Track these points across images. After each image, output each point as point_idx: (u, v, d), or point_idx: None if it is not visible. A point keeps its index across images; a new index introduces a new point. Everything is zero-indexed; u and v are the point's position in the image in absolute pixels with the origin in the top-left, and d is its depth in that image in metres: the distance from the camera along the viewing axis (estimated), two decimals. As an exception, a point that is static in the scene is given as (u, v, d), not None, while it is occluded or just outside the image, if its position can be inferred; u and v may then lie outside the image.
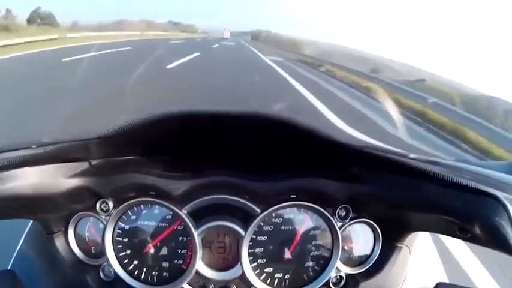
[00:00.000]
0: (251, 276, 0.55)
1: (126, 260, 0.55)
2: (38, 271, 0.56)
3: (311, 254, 0.56)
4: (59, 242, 0.55)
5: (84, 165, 0.52)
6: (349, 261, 0.58)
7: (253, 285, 0.55)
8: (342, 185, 0.53)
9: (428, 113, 6.35)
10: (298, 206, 0.55)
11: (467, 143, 5.16)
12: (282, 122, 0.49)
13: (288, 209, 0.55)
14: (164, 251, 0.55)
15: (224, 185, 0.54)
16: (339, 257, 0.56)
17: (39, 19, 19.60)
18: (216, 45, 22.87)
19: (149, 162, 0.56)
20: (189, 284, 0.55)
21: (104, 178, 0.53)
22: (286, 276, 0.56)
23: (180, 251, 0.55)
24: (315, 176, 0.54)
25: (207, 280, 0.56)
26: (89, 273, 0.56)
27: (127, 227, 0.55)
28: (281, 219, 0.55)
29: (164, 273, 0.56)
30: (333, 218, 0.55)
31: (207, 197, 0.54)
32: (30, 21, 19.07)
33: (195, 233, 0.53)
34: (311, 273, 0.57)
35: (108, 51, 10.88)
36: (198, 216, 0.54)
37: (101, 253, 0.56)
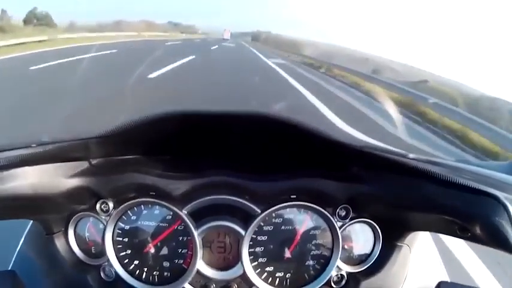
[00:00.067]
0: (252, 275, 0.55)
1: (127, 260, 0.55)
2: (38, 271, 0.56)
3: (311, 253, 0.56)
4: (59, 242, 0.55)
5: (84, 165, 0.52)
6: (350, 260, 0.58)
7: (254, 285, 0.55)
8: (342, 185, 0.53)
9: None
10: (298, 206, 0.55)
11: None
12: (282, 121, 0.49)
13: (288, 209, 0.55)
14: (165, 250, 0.55)
15: (224, 185, 0.54)
16: (339, 256, 0.56)
17: (36, 20, 19.22)
18: (215, 46, 21.68)
19: (149, 162, 0.56)
20: (190, 283, 0.55)
21: (104, 178, 0.53)
22: (287, 275, 0.56)
23: (180, 250, 0.55)
24: (315, 176, 0.54)
25: (208, 280, 0.56)
26: (89, 273, 0.56)
27: (127, 227, 0.55)
28: (281, 219, 0.55)
29: (165, 273, 0.56)
30: (333, 217, 0.55)
31: (207, 197, 0.54)
32: (26, 21, 18.77)
33: (195, 233, 0.53)
34: (312, 272, 0.57)
35: (88, 55, 9.22)
36: (198, 216, 0.54)
37: (102, 253, 0.56)
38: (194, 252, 0.54)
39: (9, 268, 0.57)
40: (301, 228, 0.56)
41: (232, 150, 0.58)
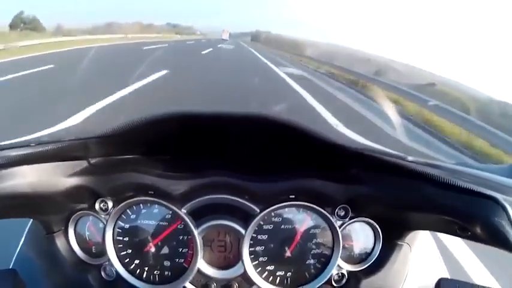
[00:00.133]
0: (253, 274, 0.55)
1: (128, 259, 0.55)
2: (39, 270, 0.56)
3: (312, 252, 0.56)
4: (59, 242, 0.55)
5: (83, 164, 0.52)
6: (350, 258, 0.58)
7: (255, 284, 0.55)
8: (341, 186, 0.54)
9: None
10: (297, 206, 0.55)
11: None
12: (282, 123, 0.49)
13: (287, 208, 0.55)
14: (165, 250, 0.55)
15: (224, 185, 0.54)
16: (339, 255, 0.56)
17: (23, 24, 18.34)
18: (208, 50, 17.78)
19: (149, 161, 0.56)
20: (191, 282, 0.55)
21: (103, 177, 0.53)
22: (288, 274, 0.56)
23: (181, 249, 0.55)
24: (314, 177, 0.54)
25: (209, 279, 0.56)
26: (90, 272, 0.56)
27: (127, 226, 0.55)
28: (281, 218, 0.55)
29: (166, 272, 0.56)
30: (332, 217, 0.55)
31: (206, 197, 0.54)
32: (13, 26, 17.94)
33: (196, 232, 0.53)
34: (313, 270, 0.57)
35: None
36: (198, 216, 0.54)
37: (102, 252, 0.56)
38: (195, 251, 0.54)
39: (10, 267, 0.57)
40: (301, 227, 0.56)
41: (232, 151, 0.58)
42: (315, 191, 0.54)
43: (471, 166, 0.54)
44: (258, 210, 0.54)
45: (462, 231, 0.45)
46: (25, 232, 0.61)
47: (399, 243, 0.57)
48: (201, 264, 0.55)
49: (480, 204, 0.41)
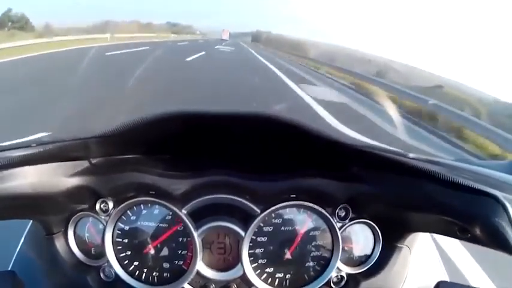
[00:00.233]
0: (252, 276, 0.55)
1: (127, 261, 0.55)
2: (38, 272, 0.56)
3: (311, 254, 0.56)
4: (59, 243, 0.55)
5: (84, 164, 0.52)
6: (350, 261, 0.58)
7: (254, 285, 0.55)
8: (342, 185, 0.54)
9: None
10: (298, 206, 0.55)
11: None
12: (283, 122, 0.49)
13: (287, 209, 0.55)
14: (164, 251, 0.55)
15: (224, 185, 0.54)
16: (339, 257, 0.56)
17: (11, 22, 17.07)
18: (198, 55, 13.38)
19: (149, 161, 0.56)
20: (189, 284, 0.55)
21: (104, 177, 0.52)
22: (287, 276, 0.56)
23: (180, 251, 0.55)
24: (314, 176, 0.54)
25: (207, 280, 0.56)
26: (89, 273, 0.56)
27: (127, 227, 0.55)
28: (281, 220, 0.55)
29: (165, 274, 0.56)
30: (333, 218, 0.55)
31: (207, 197, 0.54)
32: (0, 24, 16.60)
33: (195, 234, 0.53)
34: (312, 273, 0.57)
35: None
36: (198, 217, 0.54)
37: (101, 254, 0.56)
38: (194, 253, 0.54)
39: (9, 268, 0.57)
40: (301, 229, 0.56)
41: (232, 150, 0.58)
42: (315, 189, 0.54)
43: (471, 162, 0.54)
44: (259, 211, 0.54)
45: (462, 232, 0.45)
46: (25, 233, 0.61)
47: (399, 245, 0.57)
48: (200, 266, 0.55)
49: (480, 203, 0.40)
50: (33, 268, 0.57)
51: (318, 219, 0.56)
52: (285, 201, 0.54)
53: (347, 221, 0.56)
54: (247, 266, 0.54)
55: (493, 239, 0.40)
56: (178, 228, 0.54)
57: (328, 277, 0.56)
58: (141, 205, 0.55)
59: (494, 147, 4.90)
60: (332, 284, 0.57)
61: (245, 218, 0.54)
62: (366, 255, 0.58)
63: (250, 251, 0.55)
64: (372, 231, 0.57)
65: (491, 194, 0.40)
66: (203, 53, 14.86)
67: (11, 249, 0.60)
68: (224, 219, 0.55)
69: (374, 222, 0.56)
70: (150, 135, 0.54)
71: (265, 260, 0.55)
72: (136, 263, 0.55)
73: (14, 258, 0.59)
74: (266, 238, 0.55)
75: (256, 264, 0.55)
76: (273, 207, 0.53)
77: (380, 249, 0.58)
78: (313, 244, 0.56)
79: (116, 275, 0.55)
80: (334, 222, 0.55)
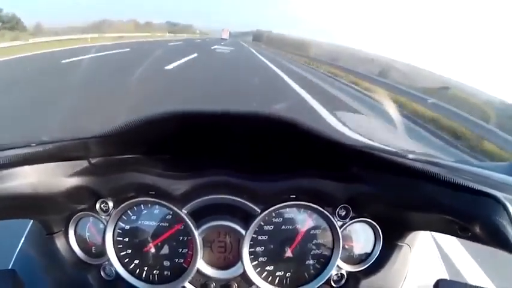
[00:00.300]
0: (252, 274, 0.55)
1: (127, 259, 0.55)
2: (38, 270, 0.56)
3: (312, 253, 0.56)
4: (59, 242, 0.55)
5: (83, 164, 0.52)
6: (350, 259, 0.58)
7: (254, 284, 0.55)
8: (342, 185, 0.54)
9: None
10: (298, 206, 0.55)
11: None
12: (283, 121, 0.49)
13: (288, 208, 0.55)
14: (165, 250, 0.55)
15: (224, 185, 0.54)
16: (339, 256, 0.56)
17: (1, 23, 16.06)
18: (188, 58, 10.40)
19: (149, 161, 0.56)
20: (190, 282, 0.55)
21: (104, 177, 0.53)
22: (287, 275, 0.56)
23: (180, 250, 0.55)
24: (314, 176, 0.54)
25: (208, 278, 0.56)
26: (89, 272, 0.56)
27: (127, 227, 0.55)
28: (281, 219, 0.55)
29: (165, 272, 0.56)
30: (333, 217, 0.55)
31: (207, 197, 0.54)
32: None
33: (196, 233, 0.53)
34: (312, 271, 0.57)
35: None
36: (198, 216, 0.54)
37: (102, 253, 0.56)
38: (194, 252, 0.54)
39: (10, 267, 0.57)
40: (301, 228, 0.56)
41: (233, 150, 0.58)
42: (315, 190, 0.54)
43: (471, 164, 0.54)
44: (259, 211, 0.54)
45: (462, 231, 0.45)
46: (25, 232, 0.61)
47: (399, 244, 0.57)
48: (201, 265, 0.55)
49: (480, 203, 0.41)
50: (33, 267, 0.57)
51: (318, 218, 0.56)
52: (285, 201, 0.54)
53: (347, 219, 0.56)
54: (247, 264, 0.54)
55: (494, 238, 0.40)
56: (179, 227, 0.54)
57: (329, 275, 0.56)
58: (142, 205, 0.55)
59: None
60: (332, 282, 0.57)
61: (245, 217, 0.55)
62: (366, 254, 0.59)
63: (250, 249, 0.55)
64: (373, 229, 0.58)
65: (491, 195, 0.40)
66: (194, 55, 11.63)
67: (11, 248, 0.60)
68: (225, 218, 0.55)
69: (374, 221, 0.57)
70: (150, 136, 0.54)
71: (266, 258, 0.56)
72: (136, 262, 0.55)
73: (14, 256, 0.60)
74: (267, 237, 0.55)
75: (256, 262, 0.55)
76: (273, 207, 0.53)
77: (380, 248, 0.58)
78: (313, 242, 0.56)
79: (117, 273, 0.55)
80: (334, 221, 0.55)
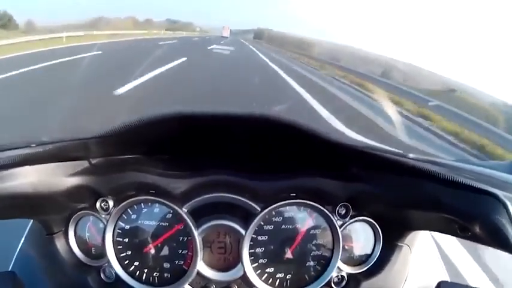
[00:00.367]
0: (252, 276, 0.55)
1: (127, 261, 0.55)
2: (38, 272, 0.56)
3: (312, 254, 0.56)
4: (59, 243, 0.55)
5: (84, 164, 0.52)
6: (350, 260, 0.58)
7: (254, 286, 0.55)
8: (342, 184, 0.54)
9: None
10: (298, 204, 0.55)
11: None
12: (282, 123, 0.49)
13: (288, 207, 0.55)
14: (165, 251, 0.55)
15: (224, 184, 0.54)
16: (339, 257, 0.56)
17: None
18: (173, 64, 7.88)
19: (149, 161, 0.56)
20: (190, 284, 0.55)
21: (104, 177, 0.53)
22: (287, 277, 0.56)
23: (180, 251, 0.55)
24: (314, 175, 0.54)
25: (208, 281, 0.56)
26: (89, 274, 0.56)
27: (127, 226, 0.55)
28: (281, 218, 0.55)
29: (165, 274, 0.55)
30: (333, 216, 0.55)
31: (207, 196, 0.54)
32: None
33: (196, 233, 0.53)
34: (312, 273, 0.57)
35: None
36: (198, 215, 0.54)
37: (102, 254, 0.56)
38: (194, 253, 0.54)
39: (10, 268, 0.57)
40: (301, 228, 0.56)
41: (232, 151, 0.58)
42: (315, 188, 0.54)
43: (471, 163, 0.54)
44: (259, 209, 0.54)
45: (462, 231, 0.45)
46: (25, 233, 0.61)
47: (399, 244, 0.57)
48: (201, 266, 0.55)
49: (481, 201, 0.40)
50: (33, 268, 0.57)
51: (318, 218, 0.56)
52: (285, 200, 0.54)
53: (347, 218, 0.56)
54: (247, 266, 0.54)
55: (494, 238, 0.40)
56: (179, 227, 0.54)
57: (329, 277, 0.56)
58: (142, 204, 0.55)
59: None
60: (333, 285, 0.57)
61: (245, 217, 0.54)
62: (366, 255, 0.58)
63: (250, 250, 0.55)
64: (373, 229, 0.57)
65: (492, 193, 0.40)
66: (183, 59, 8.98)
67: (11, 249, 0.60)
68: (224, 217, 0.55)
69: (374, 220, 0.56)
70: (150, 136, 0.54)
71: (266, 260, 0.55)
72: (136, 263, 0.55)
73: (14, 258, 0.59)
74: (267, 237, 0.55)
75: (256, 264, 0.55)
76: (274, 205, 0.53)
77: (380, 249, 0.57)
78: (313, 243, 0.56)
79: (117, 275, 0.55)
80: (334, 220, 0.55)
